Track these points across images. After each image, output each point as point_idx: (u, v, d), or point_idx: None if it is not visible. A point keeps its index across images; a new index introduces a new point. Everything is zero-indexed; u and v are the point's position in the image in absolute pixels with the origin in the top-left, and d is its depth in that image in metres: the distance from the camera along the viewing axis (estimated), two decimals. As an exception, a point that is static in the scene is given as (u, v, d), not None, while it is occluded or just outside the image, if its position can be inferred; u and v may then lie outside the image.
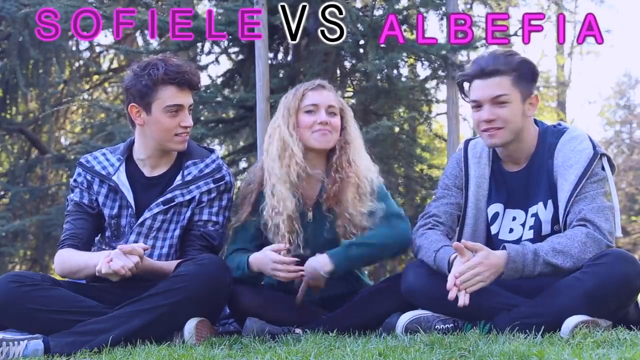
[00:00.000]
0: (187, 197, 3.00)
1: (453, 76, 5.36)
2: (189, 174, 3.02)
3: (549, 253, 2.65)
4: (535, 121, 2.96)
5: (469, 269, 2.60)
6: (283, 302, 3.03)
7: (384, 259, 3.09)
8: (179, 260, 2.92)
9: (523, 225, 2.88)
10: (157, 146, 3.01)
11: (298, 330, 2.86)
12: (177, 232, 3.01)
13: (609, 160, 2.85)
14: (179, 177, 3.02)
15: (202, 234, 3.02)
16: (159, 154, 3.04)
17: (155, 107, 2.94)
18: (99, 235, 3.11)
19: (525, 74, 2.83)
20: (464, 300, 2.58)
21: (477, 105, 2.85)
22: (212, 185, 3.03)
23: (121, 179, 3.01)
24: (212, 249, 3.03)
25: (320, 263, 2.92)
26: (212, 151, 3.13)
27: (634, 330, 2.59)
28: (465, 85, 2.91)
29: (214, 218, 3.04)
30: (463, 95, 2.95)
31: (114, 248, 2.94)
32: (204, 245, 3.01)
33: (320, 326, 2.88)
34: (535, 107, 2.88)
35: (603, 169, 2.82)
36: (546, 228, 2.83)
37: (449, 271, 2.68)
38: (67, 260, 2.95)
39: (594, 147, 2.82)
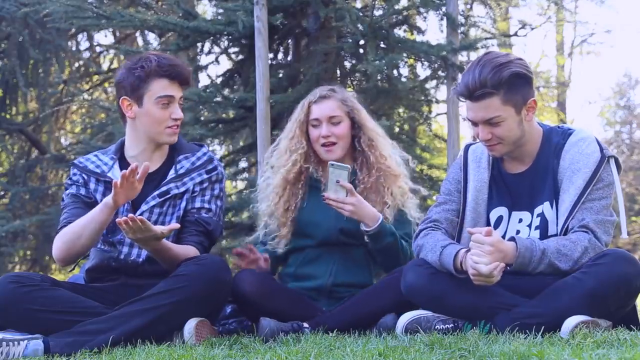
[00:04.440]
0: (182, 189, 3.03)
1: (453, 77, 5.36)
2: (181, 167, 3.05)
3: (554, 254, 2.66)
4: (539, 124, 2.94)
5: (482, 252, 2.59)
6: (283, 292, 3.08)
7: (391, 262, 3.19)
8: (189, 246, 2.96)
9: (529, 226, 2.87)
10: (148, 140, 3.04)
11: (306, 325, 2.90)
12: (173, 223, 3.01)
13: (616, 160, 2.84)
14: (172, 172, 3.05)
15: (196, 219, 3.03)
16: (151, 149, 3.06)
17: (146, 99, 2.98)
18: None
19: (517, 85, 2.73)
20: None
21: (473, 123, 2.82)
22: (205, 176, 3.07)
23: (116, 175, 3.01)
24: (207, 234, 3.04)
25: (374, 214, 3.05)
26: (202, 146, 3.18)
27: (634, 330, 2.59)
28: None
29: (206, 205, 3.05)
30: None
31: (110, 244, 3.00)
32: (200, 230, 3.03)
33: (320, 321, 2.92)
34: (534, 109, 2.81)
35: (611, 171, 2.81)
36: (552, 228, 2.82)
37: (454, 266, 2.69)
38: (64, 234, 2.93)
39: (602, 150, 2.80)
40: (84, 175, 3.06)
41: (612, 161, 2.82)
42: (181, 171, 3.04)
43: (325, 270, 3.20)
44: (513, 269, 2.67)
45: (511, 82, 2.71)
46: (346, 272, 3.20)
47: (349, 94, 3.36)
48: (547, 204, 2.83)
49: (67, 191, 3.10)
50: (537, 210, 2.85)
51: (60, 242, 2.94)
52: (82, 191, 3.06)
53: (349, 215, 3.05)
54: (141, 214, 2.96)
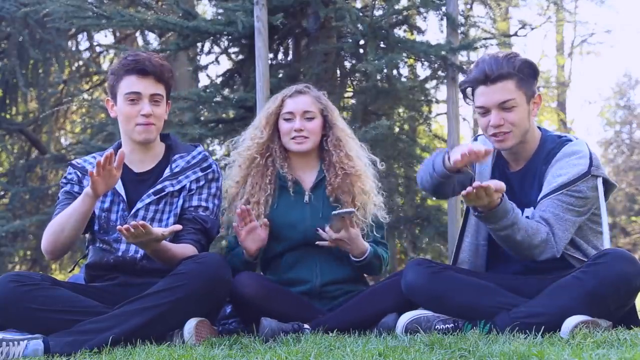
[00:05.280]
0: (177, 187, 3.05)
1: (453, 77, 5.36)
2: (177, 166, 3.08)
3: (522, 230, 2.69)
4: (538, 127, 2.96)
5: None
6: (283, 294, 3.07)
7: (370, 274, 3.42)
8: (187, 244, 2.96)
9: None
10: (128, 139, 3.07)
11: (307, 326, 2.90)
12: (171, 221, 3.02)
13: (606, 181, 2.84)
14: (167, 170, 3.07)
15: (194, 217, 3.04)
16: (140, 148, 3.08)
17: (119, 98, 3.03)
18: (89, 232, 3.11)
19: (528, 75, 2.85)
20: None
21: (485, 111, 2.85)
22: (200, 174, 3.09)
23: None
24: (205, 232, 3.06)
25: (363, 248, 3.12)
26: (197, 146, 3.21)
27: (634, 330, 2.59)
28: (469, 90, 2.91)
29: (203, 204, 3.07)
30: (468, 100, 2.96)
31: (106, 242, 3.01)
32: (197, 228, 3.04)
33: (321, 323, 2.91)
34: (538, 106, 2.91)
35: (596, 189, 2.80)
36: None
37: (444, 164, 2.77)
38: (50, 226, 2.97)
39: (590, 165, 2.80)
40: (78, 173, 3.10)
41: (599, 181, 2.81)
42: (176, 170, 3.07)
43: (310, 273, 3.19)
44: (480, 216, 2.71)
45: (523, 70, 2.83)
46: (331, 270, 3.19)
47: (322, 94, 3.38)
48: (532, 209, 2.85)
49: (62, 189, 3.14)
50: (526, 212, 2.86)
51: (46, 235, 2.97)
52: (76, 188, 3.08)
53: (342, 247, 3.11)
54: (136, 212, 2.99)
